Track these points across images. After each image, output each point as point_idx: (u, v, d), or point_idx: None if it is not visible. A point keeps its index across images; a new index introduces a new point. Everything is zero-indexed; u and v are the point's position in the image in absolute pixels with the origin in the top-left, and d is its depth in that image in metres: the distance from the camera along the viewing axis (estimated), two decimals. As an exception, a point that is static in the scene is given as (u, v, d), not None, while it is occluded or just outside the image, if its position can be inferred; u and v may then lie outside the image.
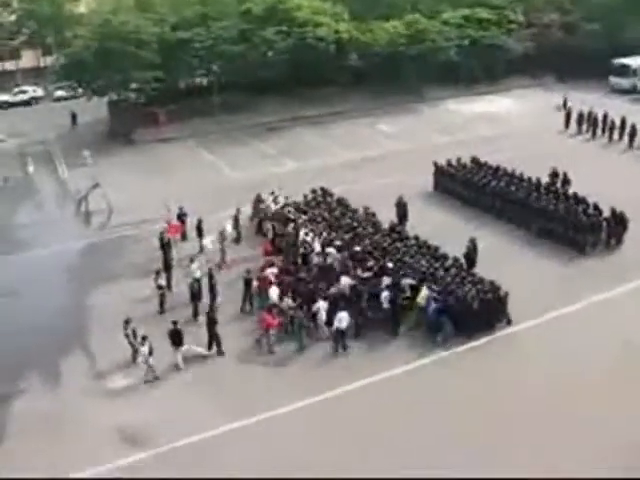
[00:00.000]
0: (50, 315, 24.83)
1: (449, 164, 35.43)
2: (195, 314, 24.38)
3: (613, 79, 55.86)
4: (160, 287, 24.91)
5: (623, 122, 42.34)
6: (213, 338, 22.36)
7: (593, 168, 36.03)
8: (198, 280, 24.87)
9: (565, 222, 28.82)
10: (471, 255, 26.16)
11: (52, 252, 30.05)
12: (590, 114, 44.32)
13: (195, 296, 24.51)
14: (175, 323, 21.85)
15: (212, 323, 22.33)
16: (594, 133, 43.76)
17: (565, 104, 47.30)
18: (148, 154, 44.50)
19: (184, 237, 30.27)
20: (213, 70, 50.31)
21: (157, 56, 48.36)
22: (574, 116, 45.10)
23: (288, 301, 23.24)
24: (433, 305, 22.63)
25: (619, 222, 28.63)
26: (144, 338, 21.28)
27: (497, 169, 34.01)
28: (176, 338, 21.75)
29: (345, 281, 24.01)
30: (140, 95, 50.32)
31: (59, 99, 60.49)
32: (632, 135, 41.25)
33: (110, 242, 31.45)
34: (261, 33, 50.12)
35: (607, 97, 52.48)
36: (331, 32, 51.16)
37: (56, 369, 22.15)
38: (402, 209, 30.66)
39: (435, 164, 35.65)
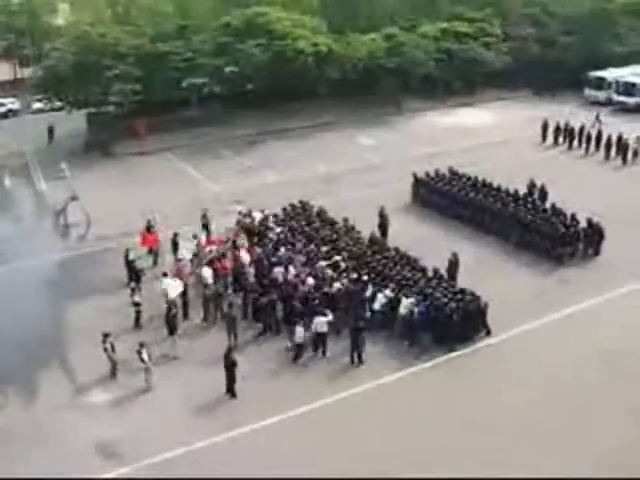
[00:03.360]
0: (28, 329, 24.45)
1: (427, 176, 35.61)
2: (174, 330, 24.23)
3: (589, 91, 56.56)
4: (136, 304, 24.81)
5: (599, 134, 42.89)
6: (232, 380, 20.97)
7: (570, 179, 36.42)
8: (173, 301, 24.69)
9: (543, 233, 29.06)
10: (452, 269, 26.24)
11: (30, 265, 29.66)
12: (567, 126, 44.82)
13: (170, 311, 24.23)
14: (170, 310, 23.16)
15: (232, 364, 20.87)
16: (570, 145, 44.23)
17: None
18: (127, 167, 44.25)
19: (151, 251, 30.04)
20: (192, 83, 50.17)
21: (136, 69, 48.19)
22: (551, 128, 45.57)
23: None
24: (417, 315, 22.73)
25: (596, 232, 28.94)
26: (142, 345, 21.28)
27: (475, 180, 34.26)
28: (172, 326, 22.69)
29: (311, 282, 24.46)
30: (119, 108, 50.08)
31: (37, 111, 59.99)
32: (608, 147, 41.76)
33: (88, 255, 31.20)
34: (240, 46, 50.18)
35: (583, 109, 53.07)
36: (310, 45, 51.29)
37: (34, 384, 21.88)
38: (384, 220, 30.75)
39: (414, 176, 35.82)
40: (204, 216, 31.24)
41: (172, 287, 24.80)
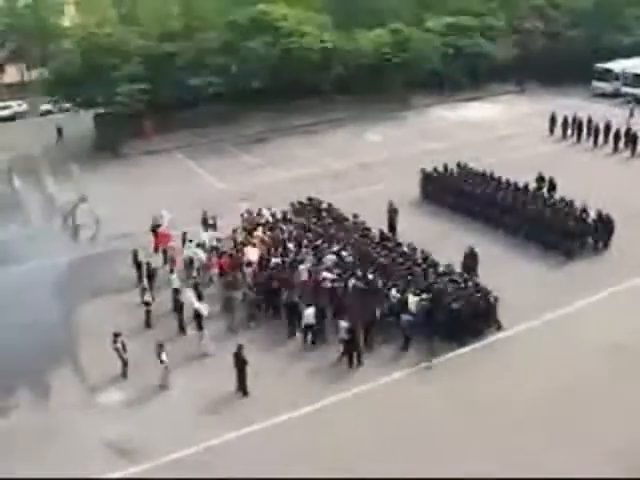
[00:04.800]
0: (39, 330, 24.67)
1: (436, 171, 35.54)
2: (181, 327, 24.37)
3: (596, 84, 56.33)
4: (146, 303, 24.93)
5: (607, 126, 42.68)
6: (243, 378, 20.93)
7: (579, 172, 36.30)
8: (178, 290, 24.96)
9: (552, 227, 28.94)
10: (469, 263, 26.17)
11: (40, 266, 29.88)
12: (575, 119, 44.62)
13: (178, 308, 24.47)
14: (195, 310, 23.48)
15: (242, 363, 20.80)
16: (579, 137, 44.01)
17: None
18: (135, 167, 44.41)
19: (157, 249, 30.11)
20: (199, 82, 50.25)
21: (143, 69, 48.34)
22: (559, 121, 45.38)
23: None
24: (426, 312, 22.67)
25: (606, 225, 28.80)
26: (161, 346, 21.37)
27: (484, 175, 34.17)
28: (198, 322, 23.15)
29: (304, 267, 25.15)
30: (126, 108, 50.22)
31: (45, 113, 60.28)
32: (616, 139, 41.57)
33: (98, 255, 31.28)
34: (246, 44, 50.21)
35: (591, 101, 52.87)
36: (316, 42, 51.28)
37: (46, 384, 21.97)
38: (392, 215, 30.75)
39: (422, 171, 35.76)
40: (205, 218, 31.30)
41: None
